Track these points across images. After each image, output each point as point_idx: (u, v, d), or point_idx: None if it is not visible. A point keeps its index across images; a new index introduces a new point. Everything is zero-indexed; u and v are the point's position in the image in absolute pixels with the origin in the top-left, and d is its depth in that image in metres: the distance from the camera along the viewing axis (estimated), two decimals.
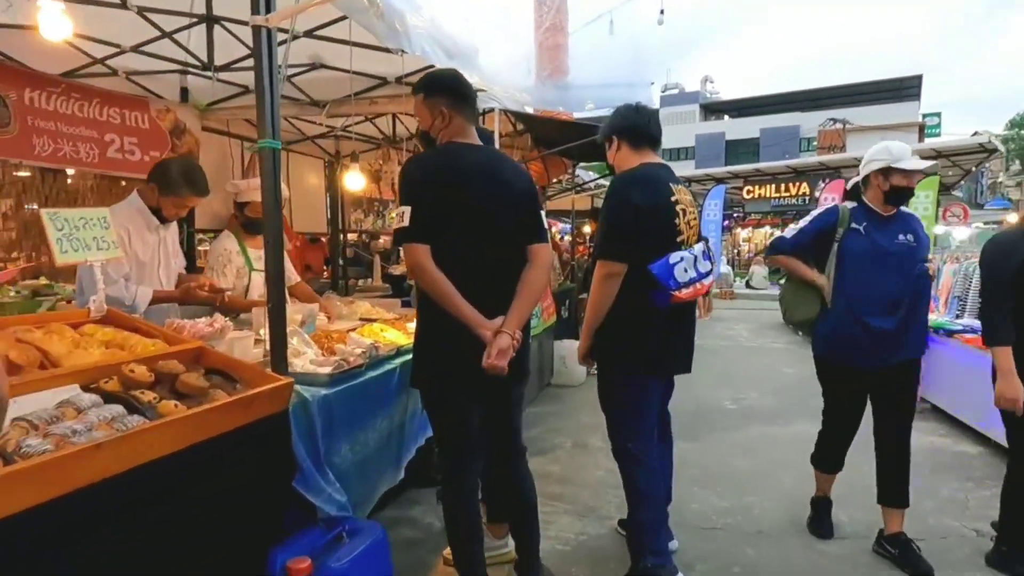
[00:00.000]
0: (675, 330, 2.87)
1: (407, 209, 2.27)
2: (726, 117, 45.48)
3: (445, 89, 2.42)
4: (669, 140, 43.41)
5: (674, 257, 2.67)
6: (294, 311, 3.33)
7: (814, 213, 3.25)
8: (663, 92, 46.88)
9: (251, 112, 5.61)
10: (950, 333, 5.56)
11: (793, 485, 4.20)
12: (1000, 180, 40.64)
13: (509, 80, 4.32)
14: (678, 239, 2.74)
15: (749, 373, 7.75)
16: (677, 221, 2.74)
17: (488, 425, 2.52)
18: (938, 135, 36.76)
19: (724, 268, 18.59)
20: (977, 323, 5.75)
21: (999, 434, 4.78)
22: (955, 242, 11.44)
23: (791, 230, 3.25)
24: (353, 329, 3.44)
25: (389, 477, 3.04)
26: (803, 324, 3.41)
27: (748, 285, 18.56)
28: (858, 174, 3.18)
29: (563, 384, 7.05)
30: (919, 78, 41.11)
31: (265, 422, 2.22)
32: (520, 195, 2.43)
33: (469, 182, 2.31)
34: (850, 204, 3.15)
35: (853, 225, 3.04)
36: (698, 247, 2.79)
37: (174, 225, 3.21)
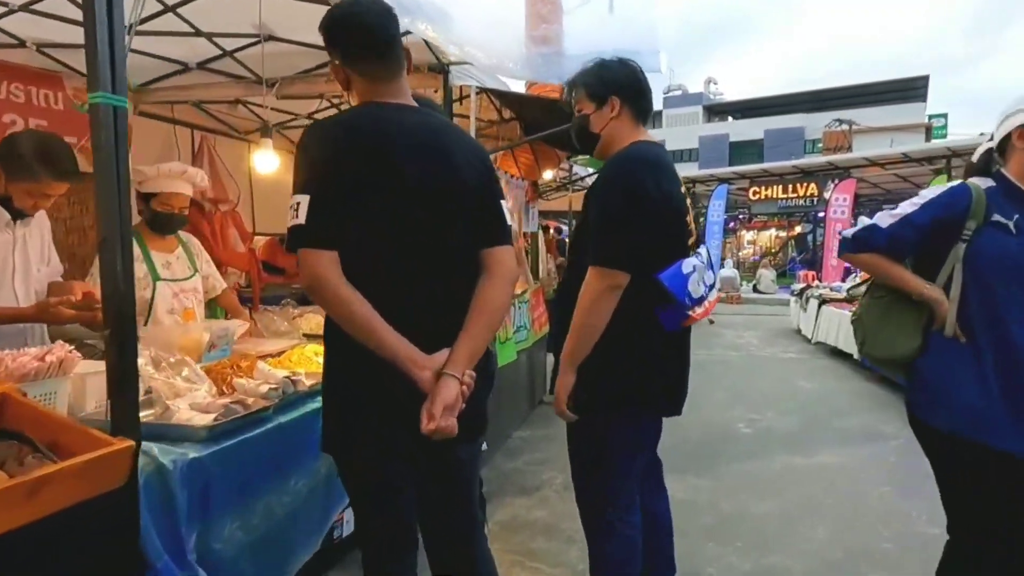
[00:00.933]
0: (682, 358, 2.20)
1: (302, 199, 1.53)
2: (730, 119, 44.74)
3: (336, 35, 1.64)
4: (672, 142, 42.68)
5: (687, 265, 1.96)
6: (201, 329, 2.60)
7: (927, 195, 2.02)
8: (666, 93, 46.16)
9: (198, 93, 4.96)
10: None
11: (827, 538, 3.43)
12: None
13: (492, 45, 3.58)
14: (688, 241, 2.05)
15: (763, 388, 6.99)
16: (688, 218, 2.07)
17: (427, 502, 1.76)
18: (944, 136, 35.93)
19: (731, 271, 17.81)
20: None
21: None
22: None
23: (887, 217, 2.01)
24: (279, 353, 2.70)
25: (308, 546, 2.29)
26: (892, 363, 2.13)
27: (755, 289, 17.77)
28: (992, 140, 2.02)
29: None
30: (925, 79, 40.39)
31: (92, 505, 1.49)
32: (473, 178, 1.66)
33: (397, 158, 1.55)
34: (983, 182, 1.96)
35: (996, 217, 1.85)
36: (704, 252, 2.11)
37: (42, 221, 2.48)
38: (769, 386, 7.09)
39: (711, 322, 12.72)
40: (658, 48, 3.09)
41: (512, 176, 5.55)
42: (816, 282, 12.03)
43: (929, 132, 34.37)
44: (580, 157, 6.86)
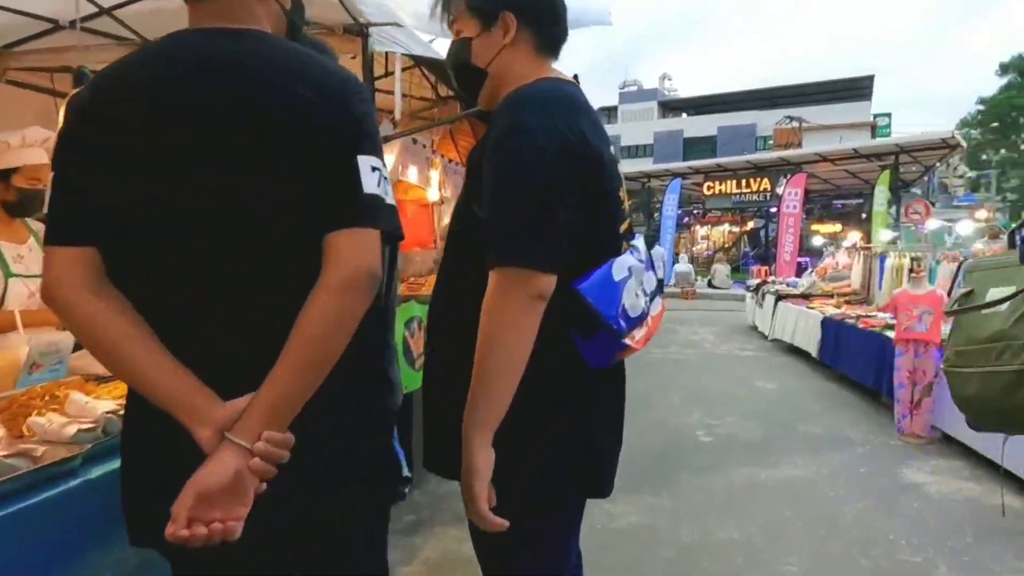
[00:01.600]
0: (615, 409, 1.55)
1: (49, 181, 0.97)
2: (684, 115, 44.98)
3: None
4: (627, 137, 42.73)
5: (619, 267, 1.35)
6: (18, 342, 1.99)
7: None
8: (621, 88, 46.10)
9: (74, 57, 4.19)
10: None
11: (801, 573, 2.99)
12: (947, 179, 40.94)
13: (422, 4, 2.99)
14: (620, 226, 1.43)
15: (722, 389, 6.61)
16: (622, 193, 1.45)
17: None
18: (888, 135, 36.80)
19: (686, 266, 17.61)
20: None
21: None
22: (951, 239, 10.41)
23: None
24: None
25: None
26: None
27: (710, 284, 17.61)
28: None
29: None
30: (871, 79, 41.23)
31: None
32: (301, 117, 1.02)
33: (180, 108, 0.99)
34: None
35: None
36: (640, 245, 1.48)
37: None
38: (728, 387, 6.71)
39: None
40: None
41: (451, 161, 5.00)
42: (771, 278, 11.82)
43: (874, 130, 35.16)
44: None
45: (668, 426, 5.29)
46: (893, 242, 9.52)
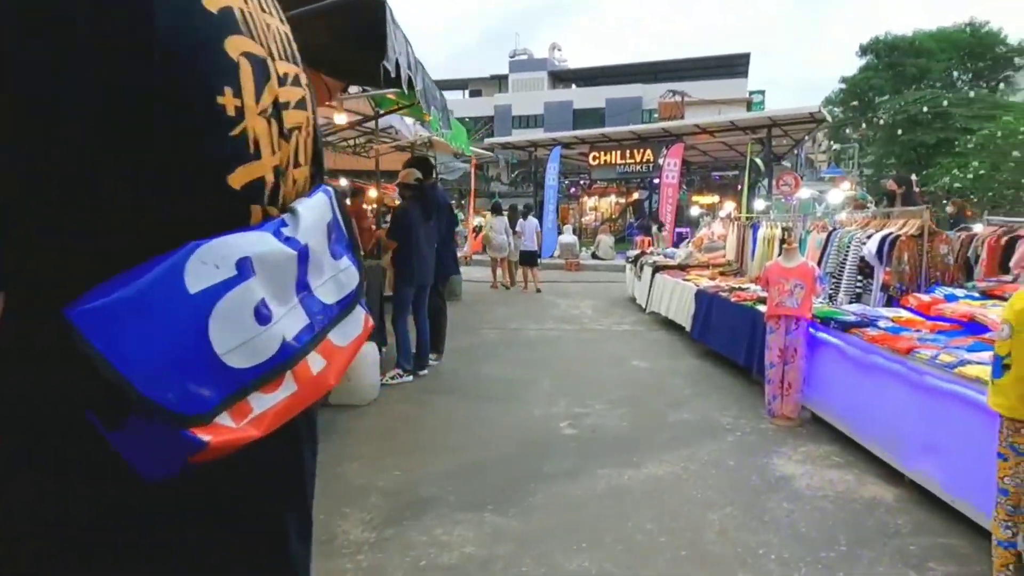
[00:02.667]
0: None
1: None
2: (573, 86, 44.96)
3: None
4: (519, 107, 42.15)
5: (202, 265, 0.62)
6: None
7: None
8: (512, 57, 45.27)
9: None
10: (844, 327, 4.14)
11: None
12: (813, 155, 43.53)
13: None
14: (234, 169, 0.69)
15: (593, 371, 6.11)
16: (259, 101, 0.72)
17: None
18: (763, 110, 38.53)
19: (570, 237, 17.28)
20: (876, 312, 4.39)
21: (918, 472, 3.37)
22: (820, 208, 10.43)
23: None
24: None
25: None
26: None
27: (594, 256, 17.40)
28: None
29: (346, 404, 4.96)
30: (747, 56, 42.88)
31: None
32: None
33: None
34: None
35: None
36: (307, 211, 0.77)
37: None
38: (600, 369, 6.23)
39: (538, 291, 11.97)
40: None
41: None
42: (651, 248, 11.59)
43: (750, 106, 36.66)
44: (386, 92, 5.40)
45: (531, 420, 4.69)
46: (765, 212, 9.45)
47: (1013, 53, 29.07)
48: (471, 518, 3.20)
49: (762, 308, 5.35)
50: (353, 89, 5.66)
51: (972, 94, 28.30)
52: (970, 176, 21.00)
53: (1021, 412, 2.38)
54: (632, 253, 11.30)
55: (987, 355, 3.28)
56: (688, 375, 5.96)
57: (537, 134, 29.99)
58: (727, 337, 5.97)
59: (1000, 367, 2.45)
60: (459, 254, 18.32)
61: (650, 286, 9.01)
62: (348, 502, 3.36)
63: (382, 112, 6.18)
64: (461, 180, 21.68)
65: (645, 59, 47.09)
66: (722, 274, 8.21)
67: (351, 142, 9.71)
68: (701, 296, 6.85)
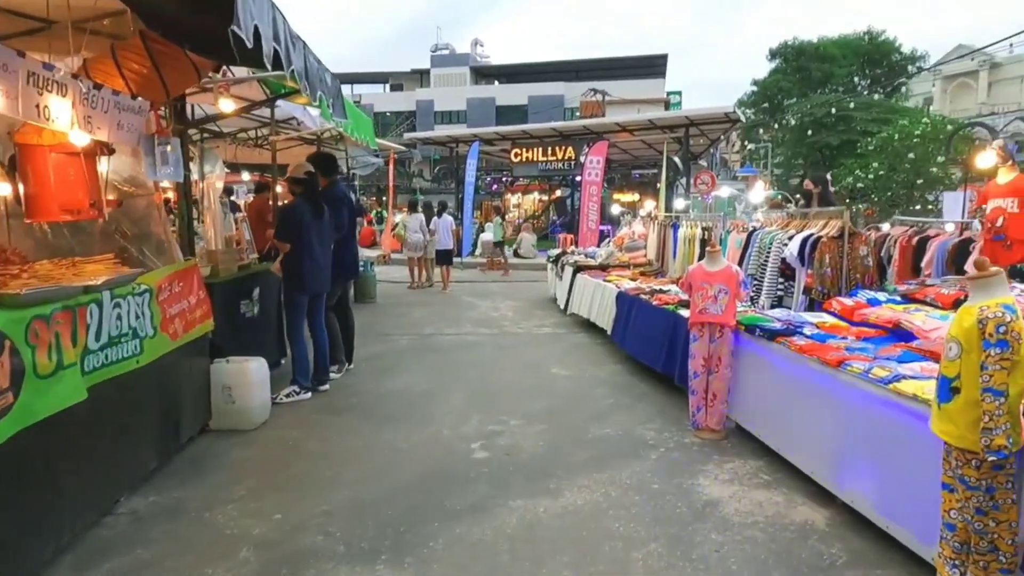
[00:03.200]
0: None
1: None
2: (496, 83, 44.62)
3: None
4: (441, 102, 41.40)
5: None
6: None
7: None
8: (433, 51, 44.42)
9: None
10: (770, 335, 3.88)
11: None
12: (727, 155, 45.01)
13: None
14: None
15: (511, 381, 5.70)
16: None
17: None
18: (680, 111, 39.51)
19: (491, 235, 16.86)
20: (800, 318, 4.16)
21: (850, 492, 3.13)
22: (740, 207, 10.34)
23: None
24: None
25: None
26: None
27: (516, 254, 17.05)
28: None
29: (230, 429, 4.33)
30: (665, 57, 43.81)
31: None
32: None
33: None
34: None
35: None
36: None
37: None
38: (518, 377, 5.82)
39: (444, 289, 11.51)
40: None
41: (116, 92, 3.36)
42: (573, 247, 11.31)
43: (667, 106, 37.45)
44: (272, 76, 4.74)
45: (439, 443, 4.21)
46: (685, 211, 9.33)
47: (906, 61, 30.91)
48: (362, 572, 2.71)
49: (684, 312, 5.09)
50: (241, 72, 4.99)
51: (875, 98, 29.92)
52: (871, 176, 22.06)
53: (971, 441, 2.11)
54: (553, 252, 10.99)
55: (918, 366, 3.08)
56: (610, 383, 5.64)
57: (459, 130, 29.47)
58: (648, 342, 5.69)
59: (947, 390, 2.18)
60: (377, 253, 17.59)
61: (571, 287, 8.70)
62: (212, 559, 2.79)
63: (270, 95, 5.50)
64: (378, 176, 20.84)
65: (567, 57, 47.36)
66: (643, 274, 7.99)
67: (252, 133, 8.88)
68: (622, 299, 6.57)
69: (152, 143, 3.62)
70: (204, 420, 4.28)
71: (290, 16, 3.01)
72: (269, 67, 2.63)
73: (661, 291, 6.18)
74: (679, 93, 45.03)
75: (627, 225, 9.70)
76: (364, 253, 16.74)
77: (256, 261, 5.59)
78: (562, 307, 9.10)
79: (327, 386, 5.30)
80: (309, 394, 5.08)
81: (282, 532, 3.05)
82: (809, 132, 27.38)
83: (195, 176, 9.44)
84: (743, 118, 17.77)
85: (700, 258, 7.01)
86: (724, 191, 13.53)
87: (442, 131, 26.97)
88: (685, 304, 5.37)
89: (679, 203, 10.19)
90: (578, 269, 8.74)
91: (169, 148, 3.74)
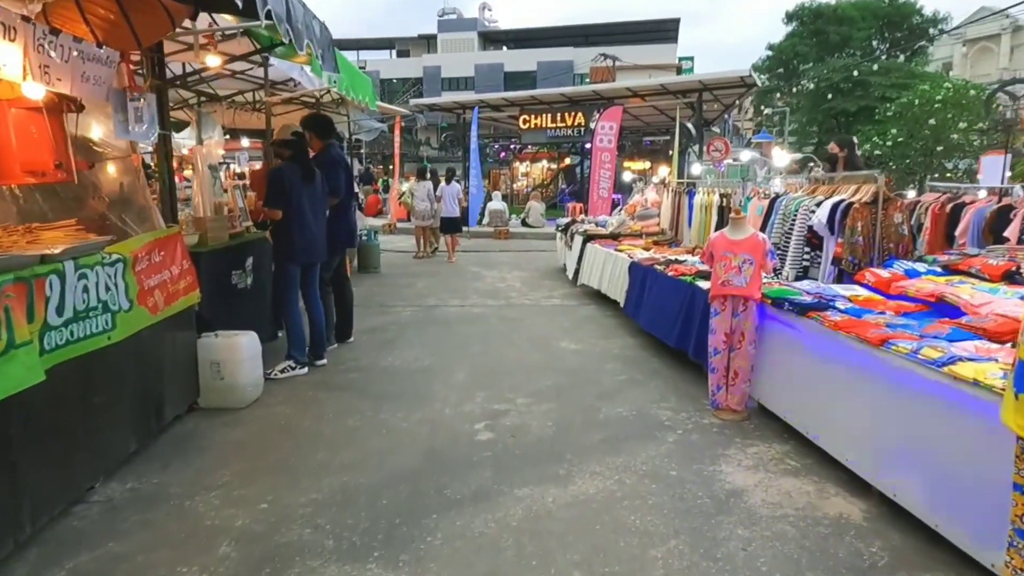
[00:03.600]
0: None
1: None
2: (504, 48, 43.59)
3: None
4: (448, 69, 40.52)
5: None
6: None
7: None
8: (440, 16, 43.37)
9: None
10: (801, 310, 3.54)
11: None
12: (739, 122, 43.99)
13: None
14: None
15: (518, 356, 5.40)
16: None
17: None
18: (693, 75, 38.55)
19: (499, 204, 16.47)
20: (832, 290, 3.82)
21: (892, 484, 2.83)
22: (762, 172, 9.74)
23: None
24: None
25: None
26: None
27: (524, 223, 16.65)
28: None
29: (219, 407, 4.07)
30: (677, 21, 42.62)
31: None
32: None
33: None
34: None
35: None
36: None
37: None
38: (525, 352, 5.53)
39: (451, 260, 11.20)
40: None
41: (79, 39, 3.01)
42: (582, 216, 10.93)
43: (679, 72, 36.42)
44: (256, 26, 4.30)
45: (440, 422, 3.93)
46: (701, 177, 8.90)
47: (928, 24, 29.79)
48: (351, 570, 2.44)
49: (702, 284, 4.76)
50: (230, 25, 4.60)
51: (898, 61, 28.91)
52: (889, 143, 21.38)
53: None
54: (562, 221, 10.61)
55: (972, 346, 2.74)
56: (622, 358, 5.33)
57: (468, 96, 28.84)
58: (662, 315, 5.37)
59: None
60: (383, 222, 17.22)
61: (580, 256, 8.36)
62: (188, 555, 2.53)
63: (258, 49, 5.11)
64: (382, 143, 20.37)
65: (576, 22, 46.20)
66: (656, 244, 7.62)
67: (249, 96, 8.49)
68: (635, 269, 6.22)
69: (123, 98, 3.28)
70: (192, 398, 4.02)
71: None
72: (239, 3, 2.27)
73: (676, 261, 5.83)
74: (691, 59, 43.85)
75: (639, 193, 9.29)
76: (369, 222, 16.44)
77: (249, 229, 5.27)
78: (571, 278, 8.78)
79: (324, 360, 5.03)
80: (305, 369, 4.81)
81: (267, 524, 2.78)
82: (829, 97, 26.52)
83: (191, 142, 9.07)
84: (759, 82, 17.11)
85: (718, 227, 6.65)
86: (745, 155, 12.98)
87: (448, 97, 26.30)
88: (703, 276, 5.03)
89: (696, 168, 9.72)
90: (588, 238, 8.38)
91: (144, 103, 3.39)
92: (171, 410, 3.78)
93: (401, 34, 45.11)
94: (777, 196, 5.65)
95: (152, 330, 3.47)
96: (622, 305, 6.53)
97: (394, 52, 45.04)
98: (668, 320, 5.17)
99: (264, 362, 4.42)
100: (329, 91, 8.40)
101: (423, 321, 6.67)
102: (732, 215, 3.99)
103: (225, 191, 5.53)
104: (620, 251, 7.11)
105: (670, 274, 5.42)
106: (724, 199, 6.62)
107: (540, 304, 7.66)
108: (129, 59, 3.35)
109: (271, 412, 4.08)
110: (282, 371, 4.71)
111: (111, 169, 3.74)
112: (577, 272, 8.39)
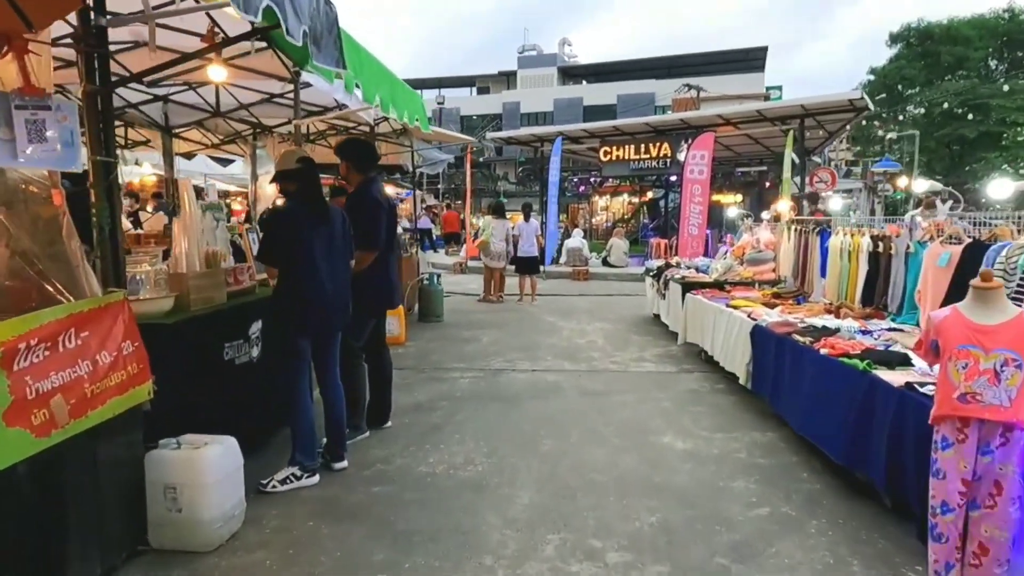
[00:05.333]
0: None
1: None
2: (584, 82, 42.66)
3: None
4: (528, 104, 39.86)
5: None
6: None
7: None
8: (520, 53, 43.00)
9: None
10: None
11: None
12: (832, 153, 40.81)
13: None
14: None
15: (606, 461, 3.87)
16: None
17: None
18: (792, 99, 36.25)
19: (577, 241, 15.02)
20: None
21: None
22: (915, 210, 7.43)
23: None
24: None
25: None
26: None
27: (605, 262, 15.09)
28: None
29: (175, 549, 2.78)
30: (764, 50, 40.46)
31: None
32: None
33: None
34: None
35: None
36: None
37: None
38: (616, 453, 3.98)
39: (533, 300, 9.79)
40: None
41: None
42: (675, 257, 9.29)
43: (767, 102, 34.20)
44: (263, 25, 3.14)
45: None
46: (842, 214, 7.15)
47: None
48: None
49: (885, 376, 3.12)
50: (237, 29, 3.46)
51: (1006, 87, 25.65)
52: (1023, 171, 18.51)
53: None
54: (654, 263, 9.02)
55: None
56: (756, 471, 3.69)
57: (545, 129, 27.87)
58: (817, 412, 3.73)
59: None
60: (453, 261, 16.11)
61: (682, 309, 6.76)
62: None
63: (291, 69, 3.95)
64: (454, 176, 19.43)
65: (658, 54, 44.86)
66: (778, 297, 5.95)
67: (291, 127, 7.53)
68: (763, 336, 4.60)
69: (5, 105, 2.10)
70: (137, 537, 2.75)
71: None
72: None
73: (826, 331, 4.18)
74: (779, 88, 41.41)
75: (747, 231, 7.62)
76: (434, 259, 15.28)
77: (262, 284, 4.07)
78: (675, 332, 7.18)
79: (344, 463, 3.68)
80: (316, 477, 3.49)
81: None
82: (943, 121, 23.68)
83: (240, 179, 8.14)
84: (871, 106, 14.99)
85: (871, 279, 4.94)
86: (907, 183, 10.87)
87: (526, 131, 25.38)
88: (880, 359, 3.39)
89: (835, 202, 7.93)
90: (687, 287, 6.80)
91: (48, 114, 2.20)
92: (103, 558, 2.51)
93: (482, 72, 45.06)
94: (976, 242, 3.92)
95: (56, 451, 2.23)
96: (743, 381, 4.90)
97: (474, 89, 44.98)
98: (829, 422, 3.52)
99: (267, 462, 3.13)
100: (388, 119, 7.30)
101: (483, 395, 5.25)
102: (978, 282, 2.35)
103: (240, 235, 4.37)
104: (733, 307, 5.49)
105: (823, 351, 3.78)
106: (879, 243, 4.91)
107: (630, 370, 6.10)
108: (22, 48, 2.18)
109: (244, 564, 2.74)
110: (284, 481, 3.40)
111: (31, 211, 2.58)
112: (683, 329, 6.79)
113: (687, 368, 6.08)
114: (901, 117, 27.01)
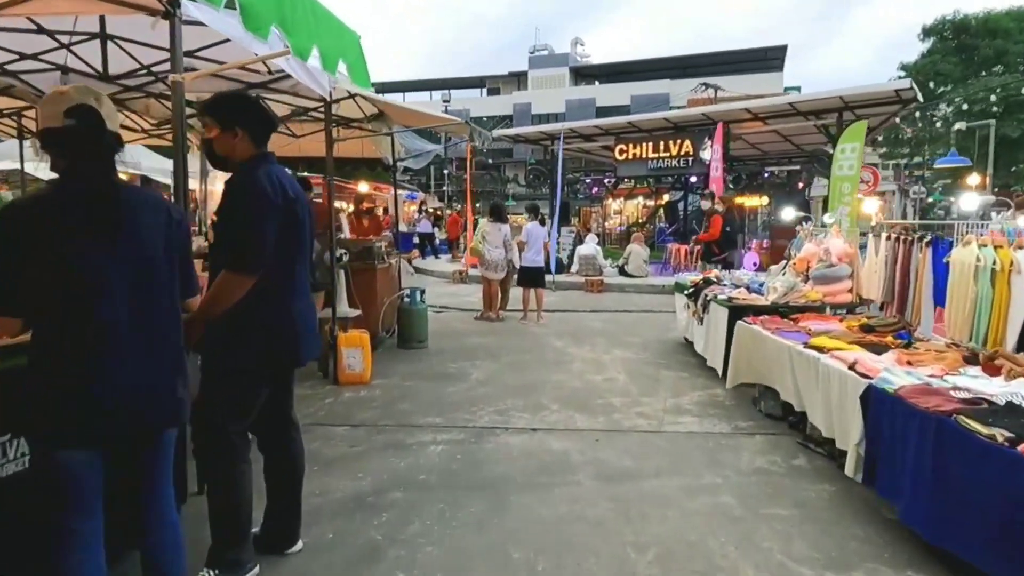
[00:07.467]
0: None
1: None
2: (596, 83, 41.05)
3: None
4: (539, 104, 38.26)
5: None
6: None
7: None
8: (531, 53, 41.48)
9: None
10: None
11: None
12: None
13: None
14: None
15: None
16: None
17: None
18: (831, 91, 34.49)
19: (590, 248, 13.31)
20: None
21: None
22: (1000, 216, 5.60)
23: None
24: None
25: None
26: None
27: (623, 271, 13.34)
28: None
29: None
30: (783, 48, 38.77)
31: None
32: None
33: None
34: None
35: None
36: None
37: None
38: None
39: (540, 319, 8.15)
40: None
41: None
42: (714, 271, 7.54)
43: (800, 94, 32.40)
44: None
45: None
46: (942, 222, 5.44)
47: None
48: None
49: None
50: None
51: None
52: None
53: None
54: (686, 277, 7.29)
55: None
56: None
57: (554, 126, 26.17)
58: (983, 525, 2.03)
59: None
60: (453, 269, 14.43)
61: (727, 338, 5.08)
62: None
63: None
64: (461, 177, 17.81)
65: (672, 53, 43.18)
66: (867, 330, 4.23)
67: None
68: (889, 410, 2.90)
69: None
70: None
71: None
72: None
73: (1015, 409, 2.47)
74: (798, 88, 39.61)
75: (809, 239, 5.92)
76: (435, 268, 13.58)
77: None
78: (708, 358, 5.50)
79: (299, 545, 2.04)
80: None
81: None
82: (981, 117, 21.73)
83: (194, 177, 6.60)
84: (919, 96, 13.19)
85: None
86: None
87: (535, 128, 23.74)
88: None
89: (971, 200, 6.11)
90: (736, 312, 5.10)
91: None
92: None
93: (492, 72, 43.53)
94: None
95: None
96: (850, 471, 3.20)
97: (484, 90, 43.47)
98: (997, 534, 1.84)
99: None
100: (354, 98, 5.66)
101: (458, 480, 3.56)
102: None
103: None
104: (816, 347, 3.80)
105: (1003, 445, 2.09)
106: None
107: (665, 429, 4.40)
108: None
109: None
110: None
111: None
112: (727, 366, 5.10)
113: (743, 426, 4.38)
114: (931, 115, 25.06)
